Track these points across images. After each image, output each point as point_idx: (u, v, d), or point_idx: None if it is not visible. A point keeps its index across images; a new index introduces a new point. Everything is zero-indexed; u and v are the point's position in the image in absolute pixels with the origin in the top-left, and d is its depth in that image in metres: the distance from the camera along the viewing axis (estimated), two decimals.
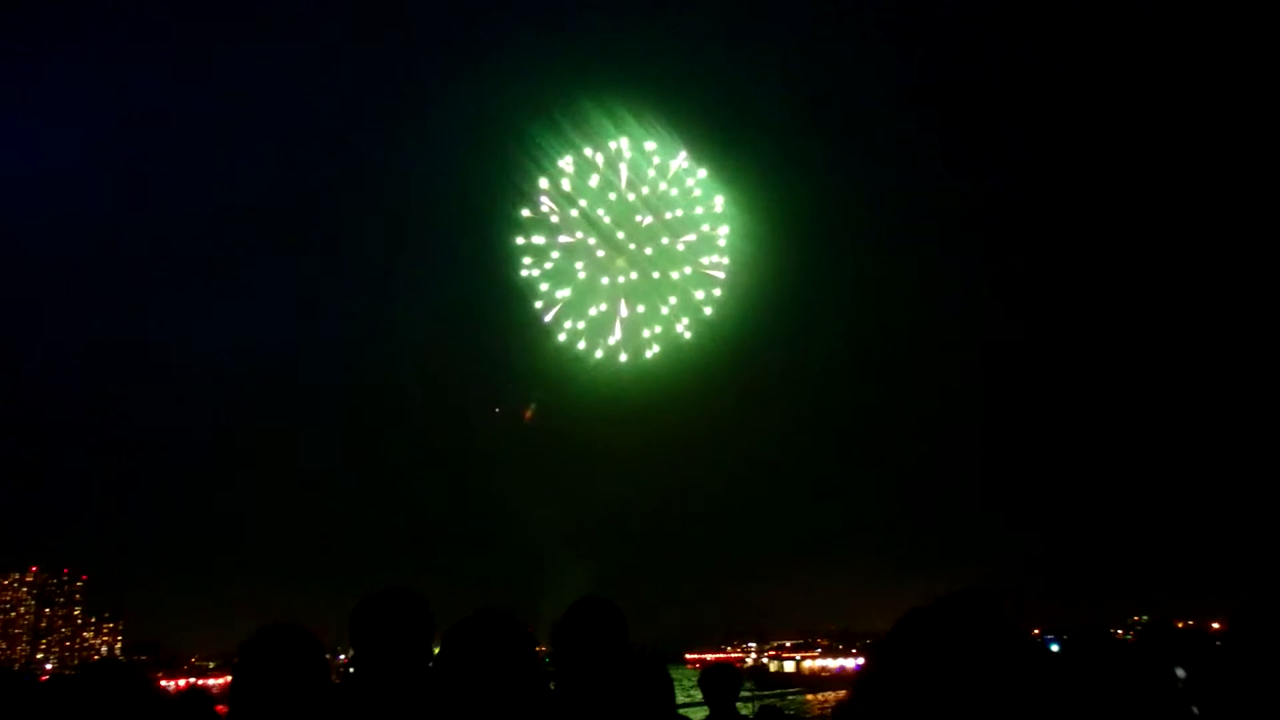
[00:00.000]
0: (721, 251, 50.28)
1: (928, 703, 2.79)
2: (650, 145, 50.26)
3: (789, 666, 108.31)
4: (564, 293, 50.99)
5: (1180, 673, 3.90)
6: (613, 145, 50.43)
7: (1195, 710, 3.65)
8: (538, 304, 50.39)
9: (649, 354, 51.40)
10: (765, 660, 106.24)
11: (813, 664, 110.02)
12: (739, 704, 6.65)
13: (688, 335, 50.87)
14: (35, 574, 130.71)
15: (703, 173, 50.38)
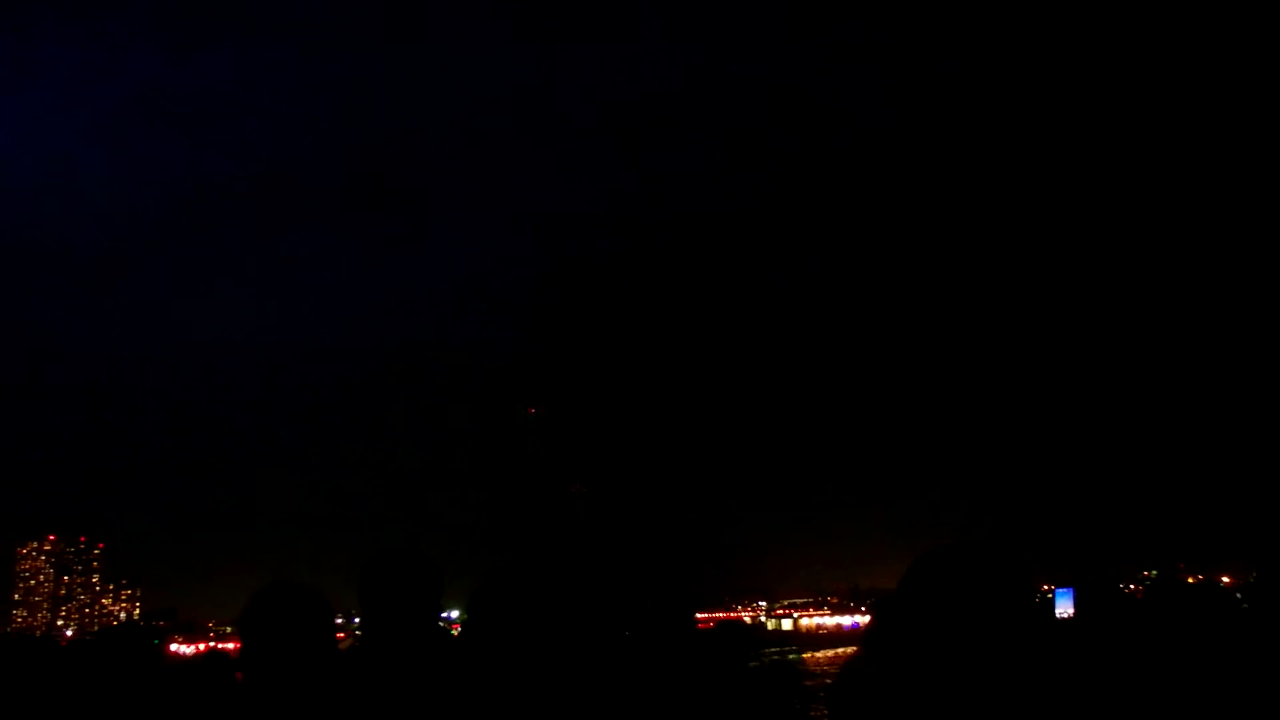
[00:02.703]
0: None
1: (931, 656, 2.79)
2: None
3: (786, 624, 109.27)
4: None
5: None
6: None
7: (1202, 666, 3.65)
8: None
9: None
10: (763, 619, 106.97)
11: (809, 622, 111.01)
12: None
13: None
14: (53, 543, 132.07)
15: None
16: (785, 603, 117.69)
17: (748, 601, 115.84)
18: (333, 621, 3.00)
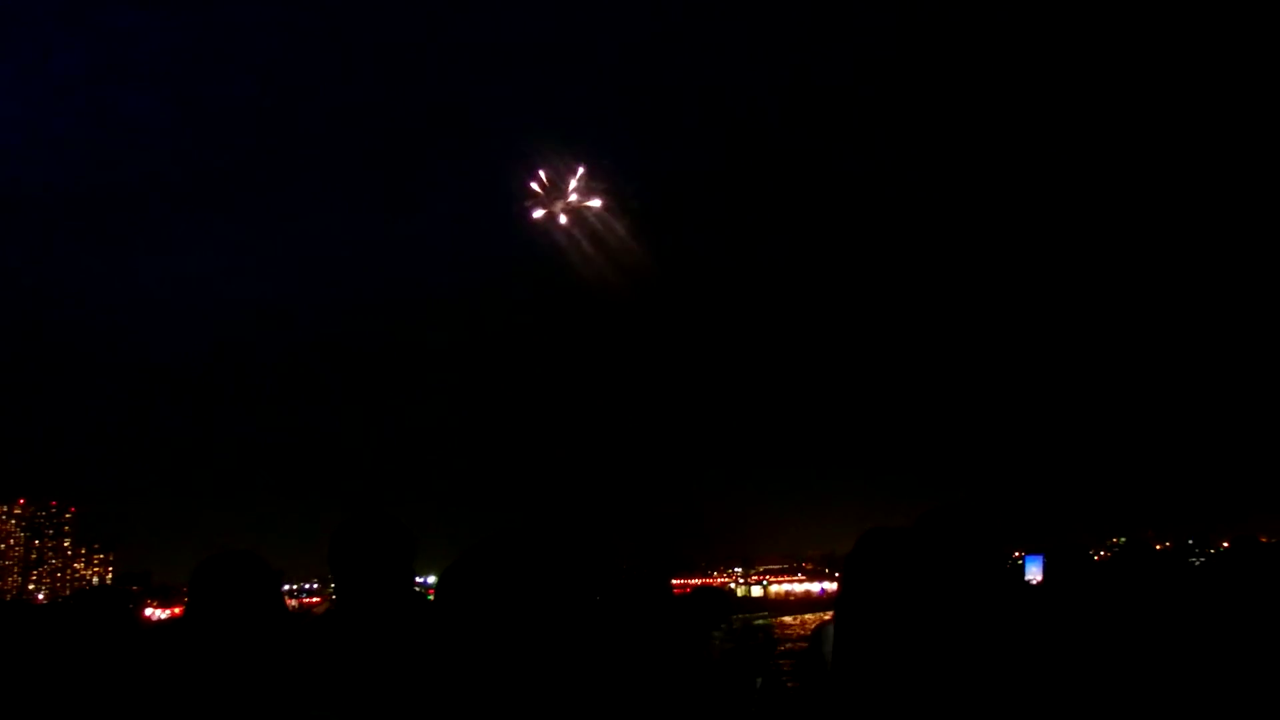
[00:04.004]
0: None
1: (896, 621, 2.82)
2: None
3: (756, 591, 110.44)
4: None
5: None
6: None
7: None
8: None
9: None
10: (733, 585, 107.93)
11: (779, 588, 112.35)
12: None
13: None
14: (23, 506, 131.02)
15: None
16: (761, 569, 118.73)
17: (724, 567, 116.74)
18: (278, 587, 3.00)
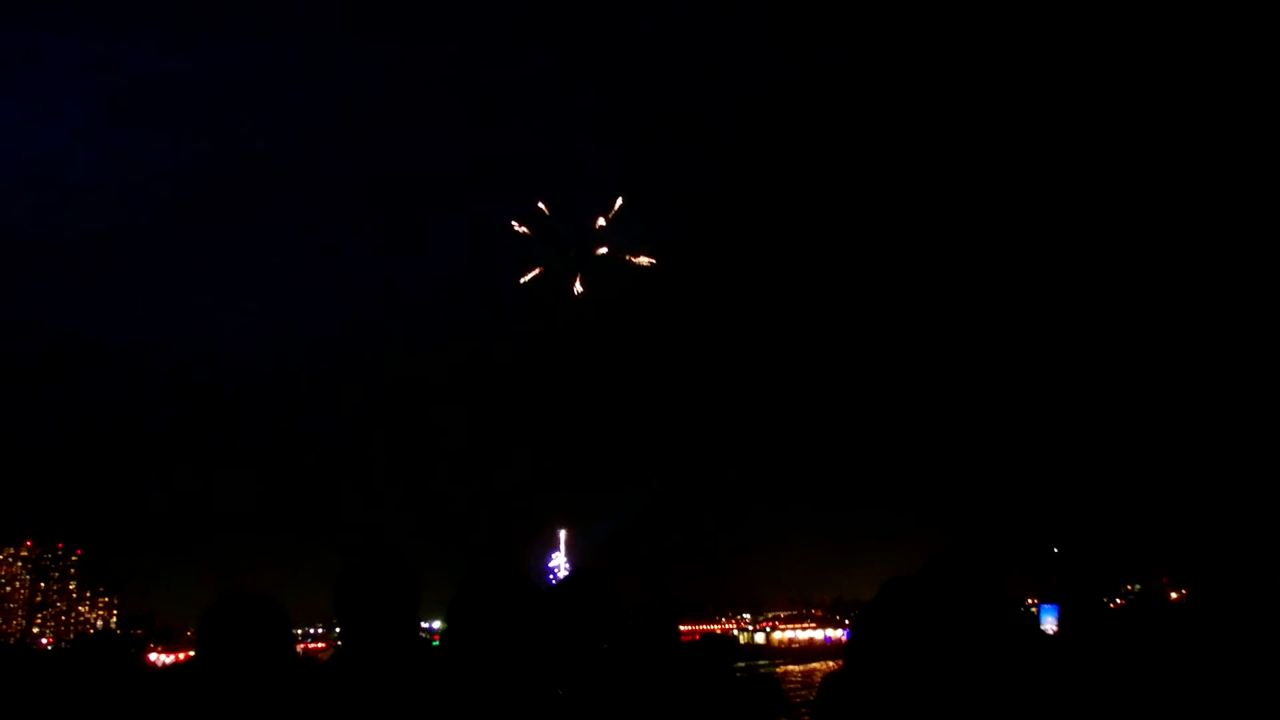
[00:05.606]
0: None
1: (908, 671, 2.79)
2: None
3: (759, 638, 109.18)
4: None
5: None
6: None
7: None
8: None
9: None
10: (735, 632, 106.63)
11: (782, 635, 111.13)
12: None
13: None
14: (30, 548, 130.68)
15: None
16: (769, 614, 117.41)
17: (732, 613, 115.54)
18: (289, 632, 2.98)
